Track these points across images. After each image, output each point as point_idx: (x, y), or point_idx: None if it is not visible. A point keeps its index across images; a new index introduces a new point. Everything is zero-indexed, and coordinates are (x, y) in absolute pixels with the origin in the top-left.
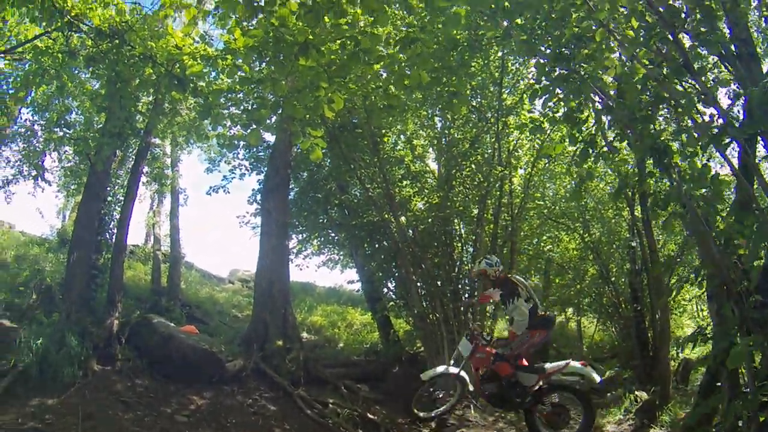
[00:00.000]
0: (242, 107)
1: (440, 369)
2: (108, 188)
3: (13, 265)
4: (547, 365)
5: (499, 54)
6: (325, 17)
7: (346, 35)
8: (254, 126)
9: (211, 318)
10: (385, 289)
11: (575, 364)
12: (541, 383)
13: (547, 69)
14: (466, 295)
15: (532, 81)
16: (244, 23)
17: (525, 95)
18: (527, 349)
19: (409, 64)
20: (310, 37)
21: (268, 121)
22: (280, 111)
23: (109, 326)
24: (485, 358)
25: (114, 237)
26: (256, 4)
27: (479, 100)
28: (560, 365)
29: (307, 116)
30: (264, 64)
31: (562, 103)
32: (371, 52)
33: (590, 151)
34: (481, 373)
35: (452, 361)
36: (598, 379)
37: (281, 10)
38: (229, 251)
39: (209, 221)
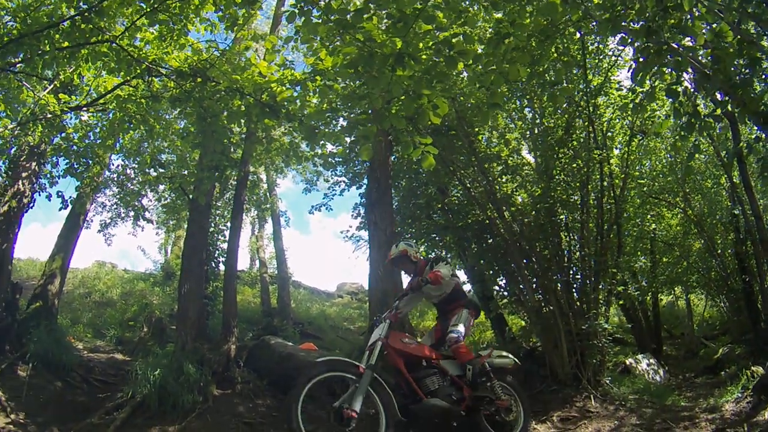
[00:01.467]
0: (338, 126)
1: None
2: (209, 219)
3: (120, 302)
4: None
5: (577, 35)
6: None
7: (438, 40)
8: (364, 142)
9: (325, 333)
10: (497, 287)
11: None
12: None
13: (641, 46)
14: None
15: (614, 58)
16: (327, 44)
17: (610, 74)
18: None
19: (505, 60)
20: (401, 45)
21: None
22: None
23: (226, 351)
24: (410, 347)
25: (222, 265)
26: (344, 20)
27: (566, 84)
28: (487, 351)
29: (410, 126)
30: (349, 80)
31: (655, 78)
32: (466, 54)
33: (694, 123)
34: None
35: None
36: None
37: (368, 24)
38: (334, 266)
39: (311, 238)
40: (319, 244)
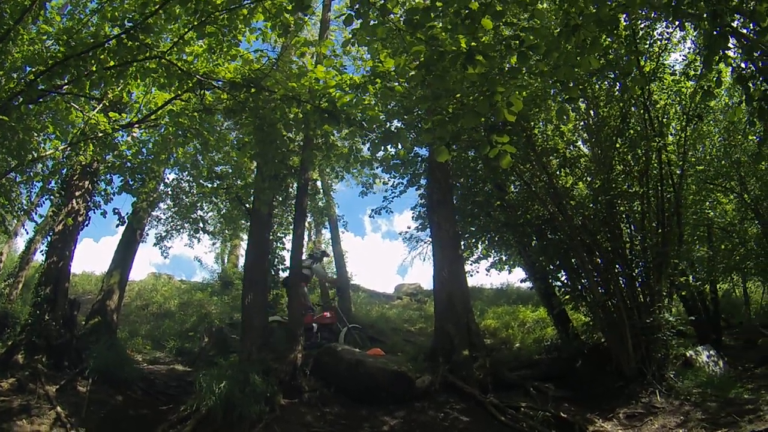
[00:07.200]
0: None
1: None
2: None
3: (178, 312)
4: None
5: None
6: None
7: (505, 36)
8: (440, 143)
9: (386, 336)
10: (558, 283)
11: None
12: None
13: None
14: None
15: (664, 42)
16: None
17: (662, 58)
18: None
19: (576, 52)
20: (473, 44)
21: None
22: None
23: (292, 360)
24: None
25: (282, 273)
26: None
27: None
28: None
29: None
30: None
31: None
32: (538, 48)
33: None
34: None
35: None
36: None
37: (434, 23)
38: (390, 268)
39: (366, 240)
40: (374, 246)
